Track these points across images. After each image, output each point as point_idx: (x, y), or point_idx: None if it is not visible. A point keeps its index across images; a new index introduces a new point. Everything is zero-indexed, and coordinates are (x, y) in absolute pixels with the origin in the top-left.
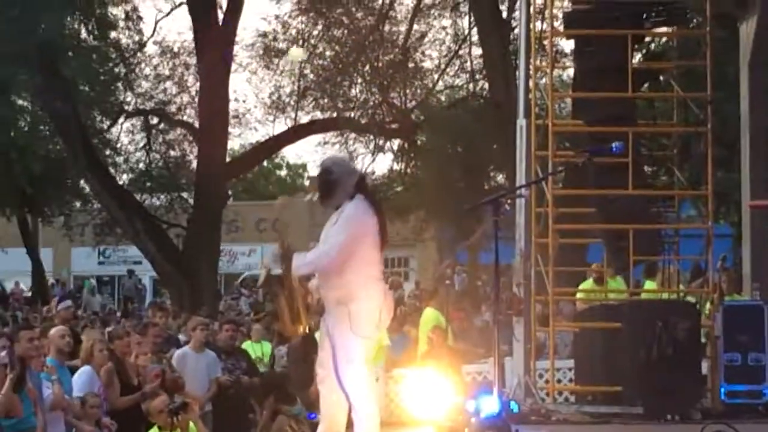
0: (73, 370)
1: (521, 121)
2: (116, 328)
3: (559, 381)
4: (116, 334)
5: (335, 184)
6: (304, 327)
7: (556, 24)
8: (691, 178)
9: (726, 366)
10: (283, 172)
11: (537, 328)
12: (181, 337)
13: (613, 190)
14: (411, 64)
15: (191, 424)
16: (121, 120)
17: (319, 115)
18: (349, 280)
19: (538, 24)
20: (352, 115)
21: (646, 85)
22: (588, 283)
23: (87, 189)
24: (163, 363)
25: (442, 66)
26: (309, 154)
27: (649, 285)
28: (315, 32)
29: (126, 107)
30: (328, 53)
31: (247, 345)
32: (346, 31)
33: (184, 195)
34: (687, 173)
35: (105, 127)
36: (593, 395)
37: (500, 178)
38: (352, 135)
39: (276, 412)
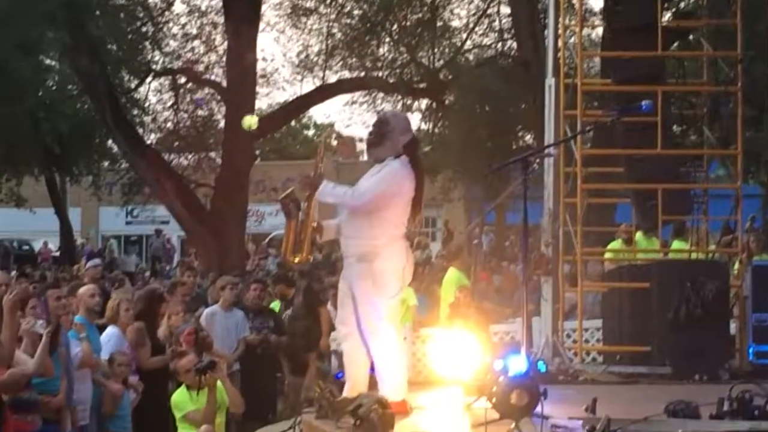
0: (102, 329)
1: (549, 81)
2: (153, 288)
3: (587, 341)
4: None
5: (387, 136)
6: (302, 258)
7: None
8: (720, 137)
9: (754, 326)
10: (311, 132)
11: (565, 288)
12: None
13: (641, 149)
14: (439, 23)
15: (219, 383)
16: (148, 79)
17: (347, 74)
18: (375, 235)
19: None
20: (380, 74)
21: (675, 44)
22: (616, 243)
23: (115, 148)
24: (192, 322)
25: (471, 25)
26: (337, 114)
27: (678, 245)
28: None
29: (154, 66)
30: (356, 12)
31: (274, 305)
32: None
33: (212, 155)
34: (716, 133)
35: (133, 86)
36: (621, 355)
37: (528, 138)
38: (380, 94)
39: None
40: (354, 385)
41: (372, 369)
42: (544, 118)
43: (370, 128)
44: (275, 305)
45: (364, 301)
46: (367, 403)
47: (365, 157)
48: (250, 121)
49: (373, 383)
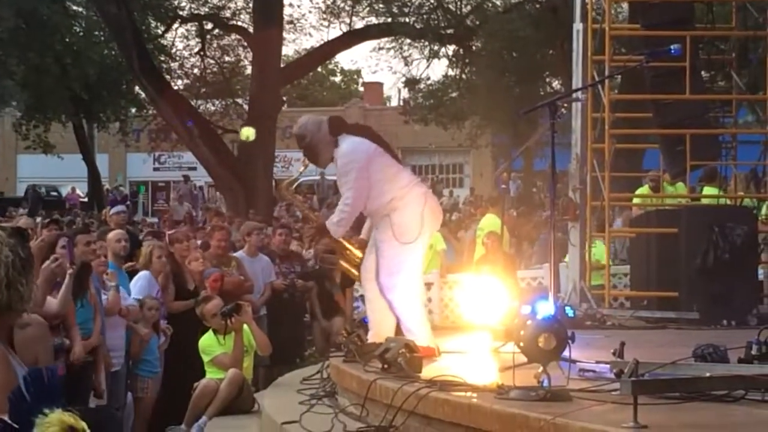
0: (132, 274)
1: (578, 26)
2: (176, 232)
3: (614, 286)
4: (176, 238)
5: (312, 145)
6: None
7: None
8: (749, 83)
9: None
10: (338, 78)
11: (593, 234)
12: None
13: (670, 94)
14: None
15: (245, 326)
16: (175, 25)
17: (373, 20)
18: (386, 199)
19: None
20: (407, 20)
21: None
22: (644, 189)
23: (142, 95)
24: (233, 265)
25: None
26: (363, 60)
27: (708, 190)
28: None
29: (180, 12)
30: None
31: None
32: None
33: (239, 101)
34: (745, 78)
35: (160, 32)
36: (648, 300)
37: (556, 84)
38: (407, 41)
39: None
40: (378, 331)
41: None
42: (572, 64)
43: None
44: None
45: (384, 253)
46: (395, 347)
47: (392, 103)
48: (248, 133)
49: (399, 331)
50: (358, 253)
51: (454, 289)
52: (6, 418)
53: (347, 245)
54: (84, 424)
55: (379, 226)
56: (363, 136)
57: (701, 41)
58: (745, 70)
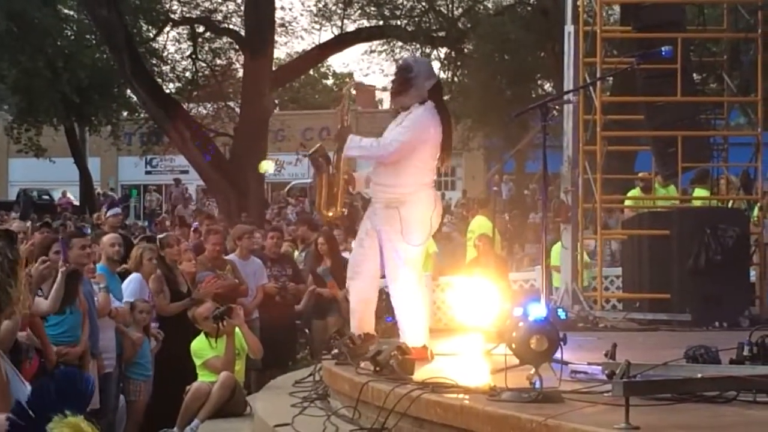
0: (123, 276)
1: (569, 28)
2: (167, 236)
3: (606, 288)
4: (166, 242)
5: (411, 82)
6: (336, 212)
7: None
8: (740, 84)
9: None
10: (330, 81)
11: (584, 236)
12: None
13: (661, 97)
14: None
15: (237, 330)
16: (167, 29)
17: (365, 23)
18: (403, 183)
19: None
20: (399, 23)
21: None
22: (635, 191)
23: (134, 98)
24: (227, 269)
25: None
26: (355, 63)
27: (699, 192)
28: None
29: (172, 16)
30: None
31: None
32: None
33: (231, 104)
34: (736, 80)
35: (151, 35)
36: (641, 302)
37: (547, 86)
38: (399, 43)
39: None
40: (359, 324)
41: (391, 318)
42: (563, 66)
43: (393, 76)
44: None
45: (389, 246)
46: (387, 350)
47: (385, 106)
48: (267, 167)
49: (394, 331)
50: (341, 193)
51: (446, 292)
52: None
53: (342, 171)
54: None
55: (384, 218)
56: (442, 118)
57: (693, 43)
58: (736, 72)
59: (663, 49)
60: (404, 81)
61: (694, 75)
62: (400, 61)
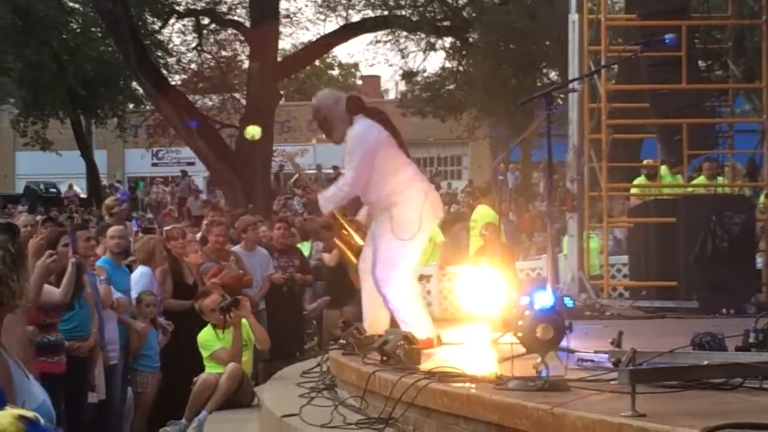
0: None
1: (573, 16)
2: (173, 228)
3: (613, 276)
4: (172, 235)
5: (327, 119)
6: None
7: None
8: (745, 71)
9: None
10: (335, 72)
11: (590, 224)
12: None
13: (666, 84)
14: None
15: (244, 321)
16: (172, 21)
17: (370, 13)
18: (389, 191)
19: None
20: (404, 12)
21: None
22: (641, 179)
23: (140, 90)
24: (231, 260)
25: None
26: (361, 54)
27: (702, 180)
28: None
29: (177, 8)
30: None
31: (304, 246)
32: None
33: (236, 95)
34: (741, 67)
35: (156, 28)
36: (647, 290)
37: (553, 75)
38: (404, 33)
39: None
40: (373, 323)
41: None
42: (568, 55)
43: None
44: (305, 247)
45: (381, 247)
46: (394, 339)
47: (390, 96)
48: (253, 132)
49: (394, 323)
50: (357, 238)
51: (453, 281)
52: None
53: (344, 224)
54: (35, 413)
55: (378, 218)
56: (378, 121)
57: (697, 31)
58: (741, 59)
59: (666, 36)
60: (322, 122)
61: (699, 62)
62: (311, 109)
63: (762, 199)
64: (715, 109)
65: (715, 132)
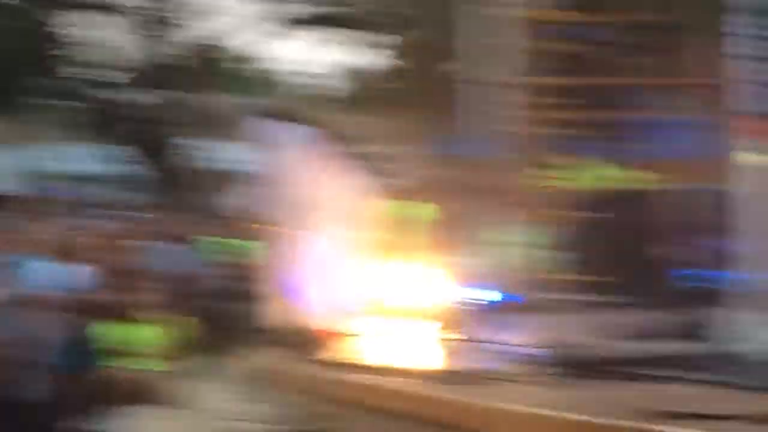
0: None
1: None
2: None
3: (552, 270)
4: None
5: None
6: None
7: None
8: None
9: None
10: None
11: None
12: None
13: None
14: None
15: (174, 318)
16: None
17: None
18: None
19: None
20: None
21: None
22: (577, 173)
23: None
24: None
25: None
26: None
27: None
28: None
29: None
30: None
31: None
32: None
33: None
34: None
35: None
36: (583, 284)
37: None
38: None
39: None
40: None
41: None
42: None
43: None
44: None
45: (291, 239)
46: (297, 330)
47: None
48: None
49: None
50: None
51: (388, 275)
52: None
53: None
54: None
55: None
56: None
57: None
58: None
59: None
60: None
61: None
62: None
63: None
64: (645, 103)
65: (646, 126)
